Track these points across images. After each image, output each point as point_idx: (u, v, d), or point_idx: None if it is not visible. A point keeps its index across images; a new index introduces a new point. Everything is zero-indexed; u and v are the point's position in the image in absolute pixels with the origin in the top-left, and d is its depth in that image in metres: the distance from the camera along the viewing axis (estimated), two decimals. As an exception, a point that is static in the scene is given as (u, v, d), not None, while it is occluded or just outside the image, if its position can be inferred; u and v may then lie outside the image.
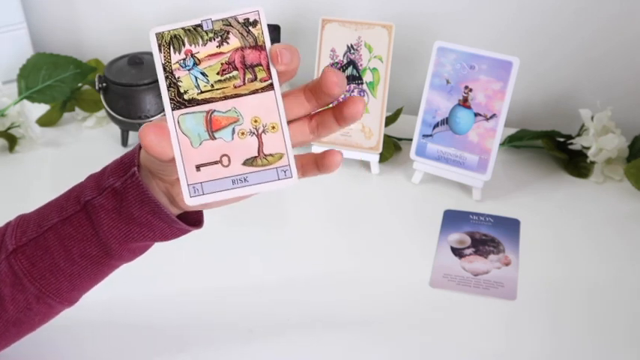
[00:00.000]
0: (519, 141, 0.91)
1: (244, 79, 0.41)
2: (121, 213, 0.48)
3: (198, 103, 0.41)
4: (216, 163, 0.41)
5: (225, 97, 0.41)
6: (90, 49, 1.16)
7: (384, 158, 0.89)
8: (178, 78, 0.41)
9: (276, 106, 0.41)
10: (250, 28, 0.41)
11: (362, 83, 0.85)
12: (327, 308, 0.69)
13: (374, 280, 0.72)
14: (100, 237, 0.49)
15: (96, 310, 0.64)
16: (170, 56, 0.41)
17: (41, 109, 1.00)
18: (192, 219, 0.52)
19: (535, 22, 0.93)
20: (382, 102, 0.85)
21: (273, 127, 0.41)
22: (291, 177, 0.41)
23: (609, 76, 0.93)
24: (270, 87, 0.41)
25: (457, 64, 0.80)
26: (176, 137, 0.41)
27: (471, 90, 0.80)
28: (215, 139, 0.41)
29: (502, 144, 0.91)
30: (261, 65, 0.41)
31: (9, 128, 0.96)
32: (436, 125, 0.83)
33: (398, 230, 0.79)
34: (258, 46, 0.41)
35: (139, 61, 0.91)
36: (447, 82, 0.81)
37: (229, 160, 0.41)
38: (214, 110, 0.41)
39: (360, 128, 0.87)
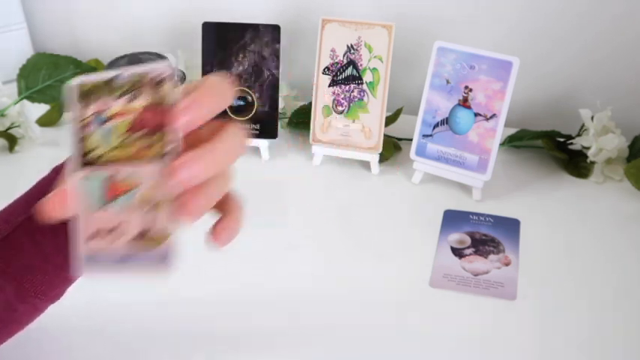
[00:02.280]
0: (519, 141, 0.91)
1: (152, 142, 0.36)
2: None
3: (102, 163, 0.36)
4: (108, 233, 0.37)
5: (129, 160, 0.36)
6: (90, 49, 1.16)
7: (384, 158, 0.89)
8: (85, 135, 0.37)
9: (168, 177, 0.35)
10: (160, 86, 0.36)
11: (362, 83, 0.85)
12: (326, 308, 0.69)
13: (373, 280, 0.72)
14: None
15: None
16: (83, 110, 0.37)
17: (41, 109, 0.99)
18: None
19: (535, 24, 0.93)
20: (382, 102, 0.85)
21: (167, 199, 0.36)
22: (167, 267, 0.36)
23: (609, 76, 0.93)
24: (171, 153, 0.35)
25: (457, 64, 0.80)
26: (74, 200, 0.37)
27: (471, 90, 0.80)
28: (110, 206, 0.37)
29: (502, 144, 0.91)
30: (167, 129, 0.36)
31: (9, 128, 0.96)
32: (436, 125, 0.83)
33: (398, 230, 0.79)
34: (166, 108, 0.36)
35: (138, 61, 0.91)
36: (447, 82, 0.81)
37: (120, 234, 0.37)
38: (115, 174, 0.36)
39: (360, 128, 0.87)
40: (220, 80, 0.38)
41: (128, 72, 0.36)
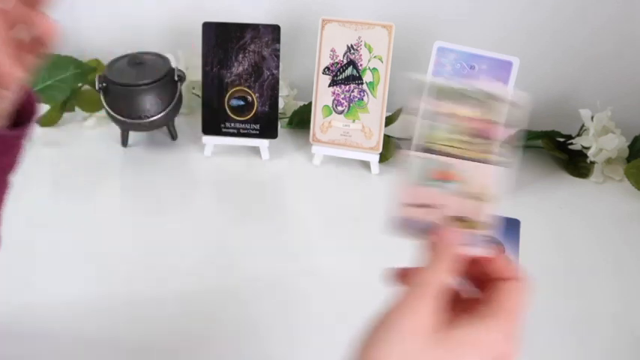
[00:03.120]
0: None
1: (484, 149, 0.44)
2: None
3: (437, 152, 0.44)
4: (425, 207, 0.44)
5: (462, 157, 0.44)
6: (90, 49, 1.16)
7: (384, 158, 0.89)
8: (430, 125, 0.44)
9: (498, 182, 0.44)
10: (511, 107, 0.44)
11: (362, 83, 0.85)
12: (326, 307, 0.69)
13: (373, 280, 0.72)
14: None
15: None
16: (432, 104, 0.44)
17: (41, 109, 0.99)
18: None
19: (535, 23, 0.93)
20: (382, 102, 0.85)
21: (489, 199, 0.44)
22: (491, 249, 0.44)
23: (609, 76, 0.93)
24: (502, 164, 0.44)
25: (457, 64, 0.80)
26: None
27: (470, 90, 0.80)
28: (434, 187, 0.44)
29: (502, 144, 0.91)
30: (501, 142, 0.44)
31: (9, 128, 0.96)
32: (436, 125, 0.83)
33: (398, 230, 0.79)
34: (498, 123, 0.44)
35: (139, 62, 0.91)
36: (447, 82, 0.81)
37: (439, 211, 0.44)
38: (447, 163, 0.44)
39: (360, 128, 0.87)
40: None
41: (481, 87, 0.44)
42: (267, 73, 0.89)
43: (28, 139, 0.50)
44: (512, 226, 0.79)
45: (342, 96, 0.87)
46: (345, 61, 0.85)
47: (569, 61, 0.94)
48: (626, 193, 0.84)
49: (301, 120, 0.95)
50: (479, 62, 0.79)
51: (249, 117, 0.90)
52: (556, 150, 0.88)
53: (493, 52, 0.78)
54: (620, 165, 0.86)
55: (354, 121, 0.87)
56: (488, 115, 0.44)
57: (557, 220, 0.80)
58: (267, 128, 0.91)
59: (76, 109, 1.01)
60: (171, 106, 0.91)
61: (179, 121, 0.98)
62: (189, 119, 1.02)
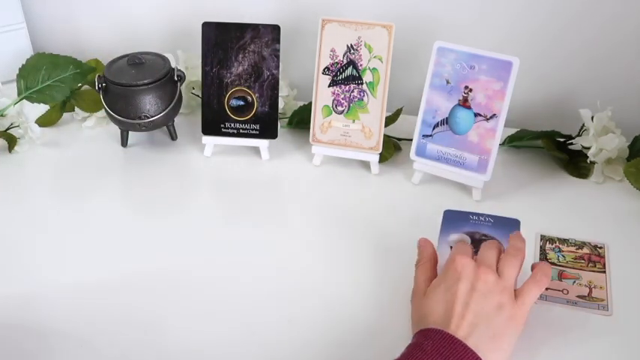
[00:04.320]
0: (519, 141, 0.91)
1: (587, 265, 0.72)
2: None
3: (557, 265, 0.73)
4: (559, 291, 0.69)
5: (574, 268, 0.72)
6: (90, 49, 1.16)
7: (383, 158, 0.89)
8: (547, 254, 0.75)
9: (605, 282, 0.70)
10: (596, 249, 0.75)
11: (362, 83, 0.85)
12: (325, 307, 0.69)
13: (373, 280, 0.72)
14: None
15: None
16: (547, 246, 0.76)
17: (41, 109, 0.99)
18: None
19: (535, 23, 0.93)
20: (382, 102, 0.85)
21: (601, 287, 0.70)
22: (608, 311, 0.67)
23: (609, 76, 0.93)
24: (602, 272, 0.72)
25: (457, 64, 0.80)
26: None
27: (471, 90, 0.80)
28: (561, 282, 0.71)
29: (502, 144, 0.91)
30: (598, 262, 0.73)
31: (8, 128, 0.96)
32: (436, 125, 0.83)
33: (397, 231, 0.79)
34: (598, 256, 0.74)
35: (138, 62, 0.91)
36: (447, 82, 0.81)
37: (567, 292, 0.69)
38: (565, 270, 0.72)
39: (360, 128, 0.87)
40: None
41: (578, 239, 0.76)
42: (267, 73, 0.89)
43: None
44: (512, 227, 0.79)
45: (342, 96, 0.87)
46: (345, 61, 0.85)
47: (570, 61, 0.94)
48: (626, 193, 0.84)
49: (301, 120, 0.95)
50: (479, 62, 0.79)
51: (249, 117, 0.90)
52: (556, 150, 0.88)
53: (493, 52, 0.78)
54: (620, 165, 0.86)
55: (354, 121, 0.87)
56: (584, 250, 0.75)
57: (557, 220, 0.79)
58: (267, 128, 0.91)
59: (76, 109, 1.01)
60: (171, 106, 0.91)
61: (179, 121, 0.98)
62: (189, 119, 1.02)
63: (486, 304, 0.58)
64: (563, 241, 0.76)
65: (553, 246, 0.75)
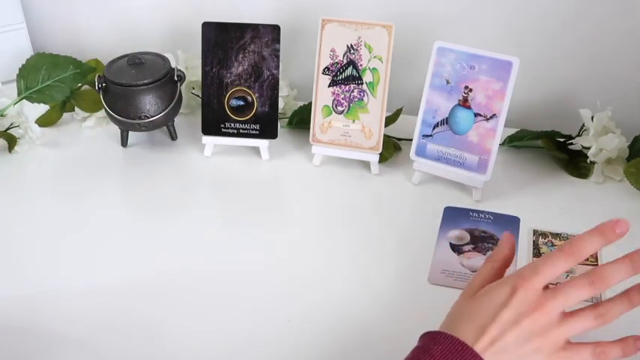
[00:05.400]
0: (519, 141, 0.91)
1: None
2: None
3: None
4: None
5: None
6: (90, 49, 1.16)
7: (383, 158, 0.89)
8: (540, 248, 0.74)
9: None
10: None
11: (362, 83, 0.85)
12: (325, 307, 0.69)
13: (372, 279, 0.72)
14: None
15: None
16: (539, 240, 0.76)
17: (41, 109, 0.99)
18: None
19: (535, 22, 0.93)
20: (382, 102, 0.85)
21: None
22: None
23: (609, 76, 0.93)
24: (595, 266, 0.61)
25: (457, 64, 0.80)
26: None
27: (470, 90, 0.80)
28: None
29: (502, 144, 0.91)
30: (591, 256, 0.70)
31: (8, 128, 0.96)
32: (436, 125, 0.83)
33: (397, 231, 0.79)
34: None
35: (138, 61, 0.91)
36: (447, 82, 0.81)
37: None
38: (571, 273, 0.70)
39: (360, 128, 0.87)
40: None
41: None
42: (267, 73, 0.89)
43: None
44: (512, 224, 0.79)
45: (342, 96, 0.87)
46: (345, 61, 0.85)
47: (569, 61, 0.94)
48: (626, 193, 0.84)
49: (301, 120, 0.95)
50: (479, 62, 0.79)
51: (249, 117, 0.90)
52: (556, 150, 0.88)
53: (493, 52, 0.78)
54: (620, 165, 0.86)
55: (354, 121, 0.87)
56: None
57: (556, 221, 0.79)
58: (267, 128, 0.91)
59: (76, 109, 1.01)
60: (171, 106, 0.91)
61: (179, 121, 0.98)
62: (189, 119, 1.02)
63: (524, 345, 0.53)
64: (556, 235, 0.76)
65: (546, 240, 0.75)
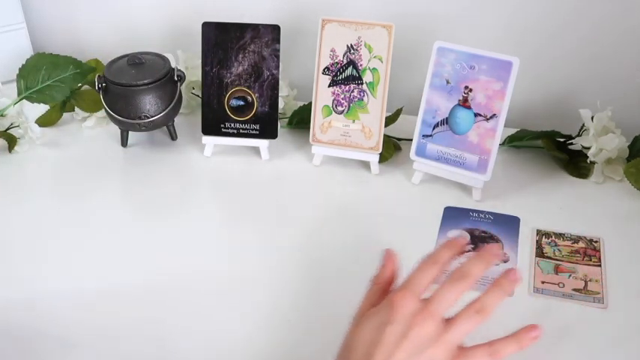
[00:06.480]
0: (519, 141, 0.91)
1: (583, 259, 0.73)
2: None
3: (553, 259, 0.73)
4: (555, 284, 0.70)
5: (569, 261, 0.73)
6: (90, 49, 1.16)
7: (383, 158, 0.89)
8: (543, 248, 0.75)
9: (600, 275, 0.71)
10: (592, 243, 0.76)
11: (362, 83, 0.85)
12: (325, 306, 0.69)
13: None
14: None
15: None
16: (542, 240, 0.77)
17: (41, 109, 0.99)
18: None
19: (535, 22, 0.93)
20: (382, 102, 0.85)
21: (596, 281, 0.70)
22: (603, 304, 0.67)
23: (609, 76, 0.93)
24: (598, 266, 0.72)
25: (457, 64, 0.80)
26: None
27: (470, 90, 0.80)
28: (557, 275, 0.71)
29: (502, 144, 0.91)
30: (594, 256, 0.74)
31: (8, 128, 0.96)
32: (436, 125, 0.83)
33: (397, 231, 0.79)
34: (594, 250, 0.75)
35: (138, 61, 0.91)
36: (447, 82, 0.81)
37: (564, 286, 0.70)
38: (561, 264, 0.73)
39: (360, 128, 0.87)
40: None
41: (573, 234, 0.77)
42: (267, 73, 0.89)
43: None
44: (512, 224, 0.79)
45: (342, 96, 0.87)
46: (345, 61, 0.85)
47: (569, 61, 0.94)
48: (626, 193, 0.84)
49: (301, 120, 0.95)
50: (479, 62, 0.79)
51: (249, 117, 0.90)
52: (556, 150, 0.88)
53: (493, 52, 0.78)
54: (620, 165, 0.86)
55: (354, 121, 0.87)
56: (579, 245, 0.75)
57: (557, 220, 0.79)
58: (267, 128, 0.91)
59: (76, 109, 1.01)
60: (171, 106, 0.91)
61: (179, 121, 0.98)
62: (189, 119, 1.02)
63: (418, 358, 0.51)
64: (559, 235, 0.76)
65: (549, 240, 0.76)
